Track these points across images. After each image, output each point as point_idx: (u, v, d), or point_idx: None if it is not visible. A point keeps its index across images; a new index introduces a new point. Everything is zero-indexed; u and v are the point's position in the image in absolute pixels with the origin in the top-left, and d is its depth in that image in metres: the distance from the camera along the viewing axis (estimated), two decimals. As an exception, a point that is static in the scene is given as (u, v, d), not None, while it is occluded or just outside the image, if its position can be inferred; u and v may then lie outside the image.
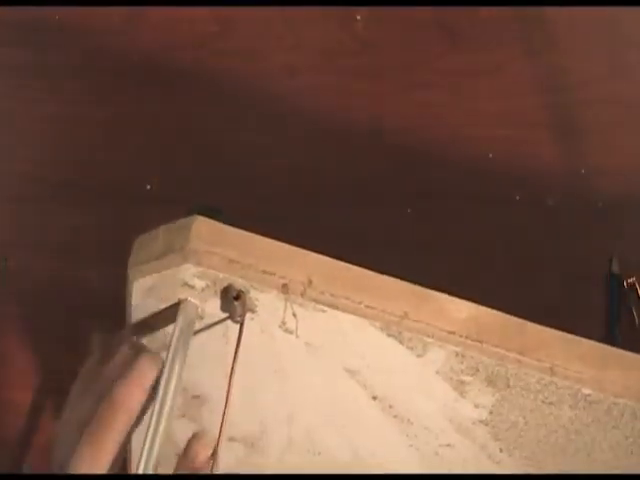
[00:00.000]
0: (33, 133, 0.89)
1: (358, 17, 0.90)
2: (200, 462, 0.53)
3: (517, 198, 0.85)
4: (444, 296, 0.54)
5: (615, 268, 0.82)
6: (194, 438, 0.54)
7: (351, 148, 0.87)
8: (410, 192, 0.85)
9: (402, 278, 0.55)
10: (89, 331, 0.72)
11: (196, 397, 0.60)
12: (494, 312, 0.54)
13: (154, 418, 0.50)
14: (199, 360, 0.56)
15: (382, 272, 0.55)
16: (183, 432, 0.63)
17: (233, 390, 0.52)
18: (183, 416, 0.62)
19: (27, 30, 0.90)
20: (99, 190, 0.87)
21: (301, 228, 0.85)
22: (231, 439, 0.62)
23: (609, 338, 0.80)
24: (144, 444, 0.50)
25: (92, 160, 0.87)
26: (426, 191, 0.85)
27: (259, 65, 0.89)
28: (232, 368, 0.52)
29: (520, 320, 0.55)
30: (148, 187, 0.86)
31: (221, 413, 0.52)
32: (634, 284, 0.82)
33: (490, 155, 0.86)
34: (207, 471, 0.53)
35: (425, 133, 0.87)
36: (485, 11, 0.89)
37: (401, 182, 0.86)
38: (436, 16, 0.89)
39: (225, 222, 0.54)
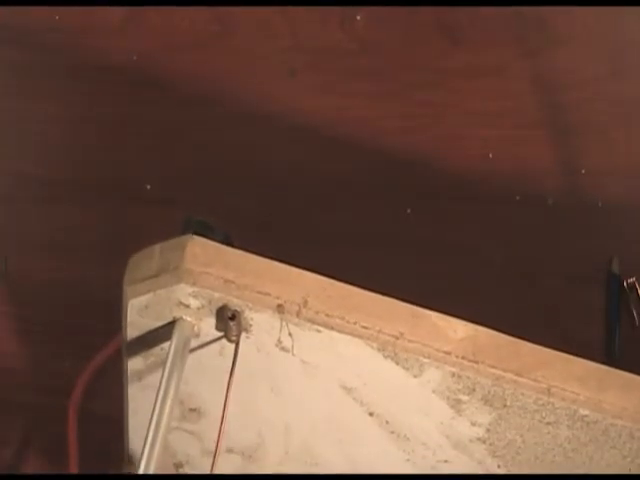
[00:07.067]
0: (33, 133, 0.89)
1: (358, 17, 0.90)
2: None
3: (517, 198, 0.85)
4: (439, 315, 0.54)
5: (615, 268, 0.82)
6: None
7: (351, 148, 0.87)
8: (410, 192, 0.85)
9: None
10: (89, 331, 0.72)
11: (193, 410, 0.60)
12: (490, 332, 0.54)
13: (151, 430, 0.50)
14: (197, 375, 0.56)
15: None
16: (181, 443, 0.63)
17: (230, 405, 0.52)
18: (178, 428, 0.62)
19: (27, 30, 0.91)
20: (99, 190, 0.87)
21: (301, 228, 0.85)
22: (229, 450, 0.63)
23: (609, 338, 0.80)
24: (143, 451, 0.50)
25: (92, 160, 0.87)
26: (426, 191, 0.85)
27: (259, 65, 0.89)
28: (228, 385, 0.52)
29: (516, 340, 0.54)
30: (148, 187, 0.86)
31: (219, 426, 0.52)
32: (634, 284, 0.82)
33: (490, 155, 0.86)
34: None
35: (425, 133, 0.87)
36: (485, 11, 0.89)
37: (401, 182, 0.86)
38: (436, 16, 0.89)
39: (219, 239, 0.54)
